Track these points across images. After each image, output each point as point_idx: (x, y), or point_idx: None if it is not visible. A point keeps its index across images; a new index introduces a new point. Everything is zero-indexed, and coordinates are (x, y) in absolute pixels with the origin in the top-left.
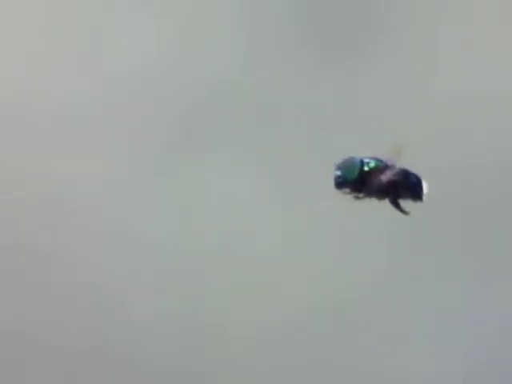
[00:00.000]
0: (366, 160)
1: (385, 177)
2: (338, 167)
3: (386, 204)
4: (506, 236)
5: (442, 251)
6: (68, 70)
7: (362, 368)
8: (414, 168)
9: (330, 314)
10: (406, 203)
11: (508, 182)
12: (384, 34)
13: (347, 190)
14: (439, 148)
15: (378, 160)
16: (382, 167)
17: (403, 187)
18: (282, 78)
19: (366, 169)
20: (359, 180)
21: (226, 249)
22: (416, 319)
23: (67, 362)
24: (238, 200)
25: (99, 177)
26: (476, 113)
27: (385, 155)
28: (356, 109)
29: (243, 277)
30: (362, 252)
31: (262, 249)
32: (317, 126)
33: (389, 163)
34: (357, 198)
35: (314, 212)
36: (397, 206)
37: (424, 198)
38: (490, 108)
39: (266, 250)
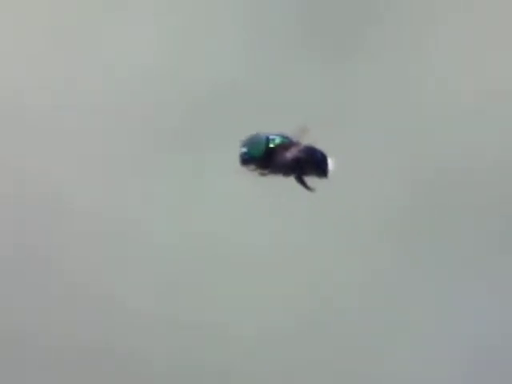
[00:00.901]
0: (272, 137)
1: (290, 153)
2: (244, 144)
3: (386, 204)
4: (506, 236)
5: (443, 251)
6: (68, 69)
7: (361, 368)
8: (321, 145)
9: (330, 314)
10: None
11: (508, 181)
12: (384, 34)
13: (253, 167)
14: (439, 147)
15: (283, 137)
16: (287, 144)
17: (308, 164)
18: (282, 77)
19: (271, 145)
20: (265, 156)
21: (226, 249)
22: (416, 319)
23: (67, 363)
24: (238, 200)
25: (99, 176)
26: (476, 112)
27: (291, 133)
28: (356, 108)
29: (243, 277)
30: (362, 251)
31: (263, 249)
32: (317, 125)
33: (295, 140)
34: (262, 174)
35: (314, 211)
36: (302, 182)
37: (329, 174)
38: (490, 107)
39: (266, 249)
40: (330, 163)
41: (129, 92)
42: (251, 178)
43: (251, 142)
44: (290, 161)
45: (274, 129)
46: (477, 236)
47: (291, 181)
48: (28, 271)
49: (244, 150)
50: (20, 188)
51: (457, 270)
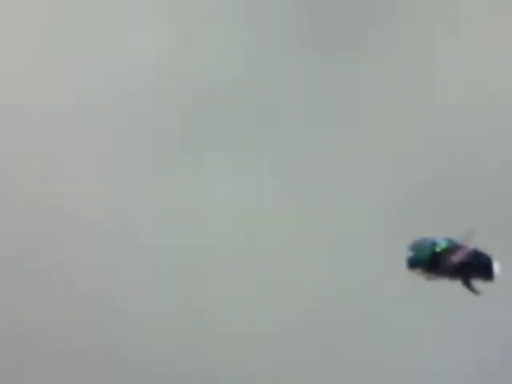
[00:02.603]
0: (438, 241)
1: (456, 258)
2: (411, 248)
3: (387, 204)
4: (506, 236)
5: None
6: (68, 69)
7: (361, 368)
8: (485, 247)
9: (329, 314)
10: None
11: (508, 181)
12: (385, 34)
13: (419, 271)
14: (439, 147)
15: (449, 240)
16: (453, 248)
17: (474, 268)
18: (283, 77)
19: (437, 250)
20: (431, 261)
21: (226, 248)
22: (416, 319)
23: (67, 363)
24: (238, 200)
25: (99, 176)
26: (476, 112)
27: (457, 236)
28: (357, 108)
29: (243, 276)
30: (362, 251)
31: (263, 248)
32: (318, 125)
33: (460, 244)
34: (428, 278)
35: (314, 211)
36: (468, 286)
37: (495, 278)
38: (490, 108)
39: (266, 249)
40: (496, 267)
41: (129, 92)
42: (251, 177)
43: (418, 246)
44: (456, 265)
45: (278, 132)
46: (477, 236)
47: (292, 180)
48: (28, 271)
49: (411, 254)
50: (20, 188)
51: None
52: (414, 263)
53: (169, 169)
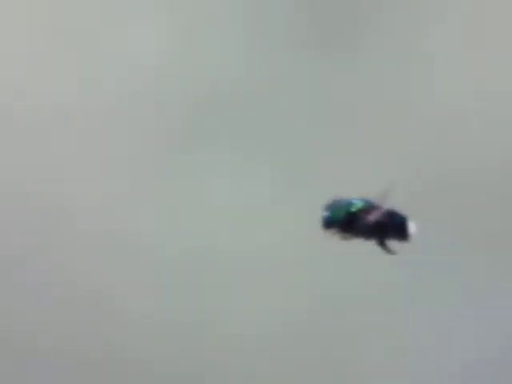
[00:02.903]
0: (354, 201)
1: (371, 218)
2: (326, 208)
3: (387, 204)
4: (506, 236)
5: (443, 250)
6: (68, 69)
7: (361, 368)
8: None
9: (329, 314)
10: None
11: (507, 183)
12: (386, 34)
13: (334, 231)
14: (438, 147)
15: (365, 201)
16: (368, 208)
17: (389, 228)
18: (283, 77)
19: (352, 210)
20: (346, 221)
21: (226, 248)
22: (415, 319)
23: (67, 363)
24: (238, 200)
25: (99, 176)
26: (476, 112)
27: (372, 196)
28: (357, 108)
29: (243, 276)
30: (362, 251)
31: (263, 248)
32: (318, 125)
33: (375, 204)
34: (344, 238)
35: (314, 211)
36: (383, 246)
37: (410, 238)
38: (490, 108)
39: (266, 249)
40: (411, 227)
41: (129, 92)
42: (251, 177)
43: (333, 207)
44: (371, 225)
45: (278, 132)
46: (477, 236)
47: (292, 180)
48: (28, 271)
49: (326, 214)
50: (20, 188)
51: (457, 269)
52: (329, 223)
53: (169, 169)
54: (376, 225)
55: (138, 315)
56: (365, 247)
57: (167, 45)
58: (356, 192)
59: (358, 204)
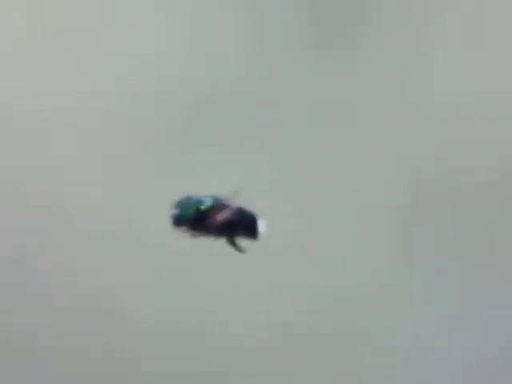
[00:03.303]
0: (203, 199)
1: (221, 216)
2: (176, 205)
3: (387, 204)
4: (506, 236)
5: (442, 251)
6: (67, 69)
7: (361, 368)
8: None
9: (329, 314)
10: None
11: (507, 183)
12: (385, 34)
13: (184, 228)
14: (438, 147)
15: (214, 199)
16: (218, 206)
17: (239, 226)
18: (283, 77)
19: (202, 208)
20: (195, 219)
21: (226, 248)
22: (415, 319)
23: (67, 363)
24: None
25: (99, 176)
26: (476, 112)
27: (224, 195)
28: (357, 108)
29: (244, 276)
30: (362, 250)
31: (263, 248)
32: (317, 125)
33: (226, 202)
34: (193, 235)
35: (314, 211)
36: (233, 244)
37: (259, 236)
38: (490, 108)
39: (266, 249)
40: (261, 225)
41: (129, 92)
42: (251, 177)
43: (183, 204)
44: (221, 223)
45: (278, 132)
46: (477, 237)
47: (292, 180)
48: (28, 271)
49: (175, 211)
50: (20, 188)
51: (457, 269)
52: (178, 221)
53: (169, 169)
54: (225, 223)
55: (137, 315)
56: (364, 250)
57: (167, 45)
58: (356, 191)
59: (207, 202)
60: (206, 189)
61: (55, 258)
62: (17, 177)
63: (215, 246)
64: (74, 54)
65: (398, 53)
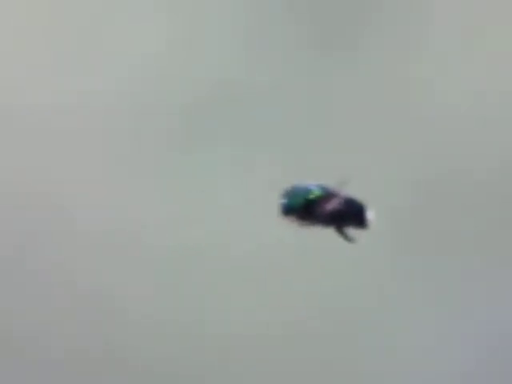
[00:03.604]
0: (312, 188)
1: (330, 205)
2: (284, 195)
3: (387, 204)
4: (506, 236)
5: (442, 251)
6: (67, 69)
7: (361, 368)
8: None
9: (329, 314)
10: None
11: (507, 183)
12: (384, 33)
13: (292, 218)
14: (438, 146)
15: (323, 188)
16: (327, 195)
17: (347, 215)
18: (283, 77)
19: (310, 197)
20: (304, 208)
21: (226, 248)
22: (415, 319)
23: (67, 363)
24: (238, 200)
25: (99, 176)
26: (476, 112)
27: (332, 183)
28: (357, 108)
29: (244, 276)
30: (361, 250)
31: (263, 248)
32: (317, 125)
33: (334, 191)
34: (302, 225)
35: None
36: (342, 233)
37: (368, 225)
38: (490, 108)
39: (266, 249)
40: (369, 214)
41: (129, 92)
42: (251, 177)
43: (291, 193)
44: (330, 212)
45: (277, 132)
46: (476, 238)
47: (292, 180)
48: (28, 271)
49: (284, 201)
50: (20, 188)
51: (457, 271)
52: (287, 210)
53: (169, 169)
54: (334, 212)
55: (137, 315)
56: (364, 249)
57: (167, 45)
58: (356, 191)
59: (316, 191)
60: (205, 189)
61: (55, 258)
62: (17, 177)
63: (212, 246)
64: (74, 54)
65: (398, 53)
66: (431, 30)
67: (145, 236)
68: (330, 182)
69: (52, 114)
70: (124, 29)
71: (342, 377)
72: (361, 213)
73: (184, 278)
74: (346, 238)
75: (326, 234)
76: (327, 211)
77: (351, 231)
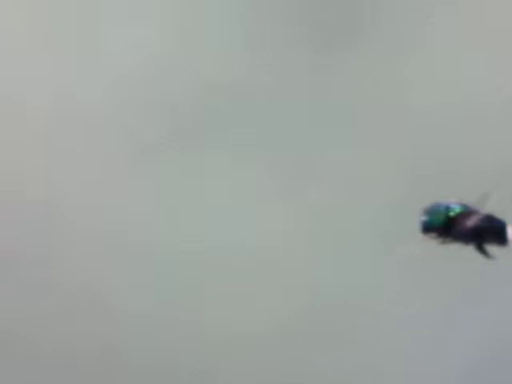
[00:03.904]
0: (452, 206)
1: (470, 222)
2: (425, 212)
3: (387, 204)
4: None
5: (442, 251)
6: (67, 69)
7: (361, 368)
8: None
9: (329, 314)
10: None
11: (507, 183)
12: (384, 33)
13: (434, 235)
14: (438, 146)
15: (463, 205)
16: (467, 212)
17: (488, 232)
18: (282, 77)
19: (451, 214)
20: (445, 225)
21: (226, 248)
22: (414, 319)
23: (67, 363)
24: (238, 200)
25: (97, 176)
26: (476, 111)
27: (470, 201)
28: (357, 108)
29: (243, 276)
30: (360, 250)
31: (263, 248)
32: (317, 125)
33: (473, 209)
34: (443, 242)
35: (314, 211)
36: (482, 250)
37: (509, 242)
38: (490, 108)
39: (266, 249)
40: (511, 232)
41: (128, 92)
42: (250, 177)
43: (432, 211)
44: (470, 230)
45: (277, 132)
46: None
47: (291, 180)
48: (28, 271)
49: (425, 218)
50: (19, 188)
51: (456, 271)
52: (428, 227)
53: (168, 169)
54: (474, 229)
55: (137, 315)
56: (364, 249)
57: (167, 45)
58: (356, 191)
59: (456, 209)
60: (205, 189)
61: (55, 258)
62: (17, 177)
63: (212, 246)
64: (73, 53)
65: (397, 52)
66: (430, 30)
67: (144, 236)
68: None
69: (52, 114)
70: (123, 29)
71: (342, 376)
72: (502, 230)
73: (184, 278)
74: (487, 255)
75: (324, 234)
76: (468, 228)
77: (491, 249)
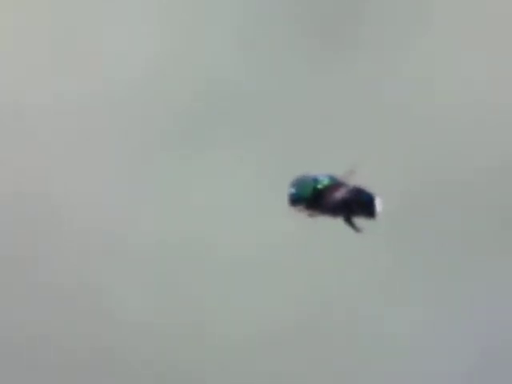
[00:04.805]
0: (320, 178)
1: (338, 194)
2: (292, 184)
3: (387, 204)
4: (505, 236)
5: (441, 251)
6: (67, 69)
7: (361, 368)
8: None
9: (329, 314)
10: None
11: (507, 183)
12: (384, 33)
13: (301, 207)
14: (438, 146)
15: (331, 177)
16: (335, 185)
17: (356, 205)
18: (282, 77)
19: (319, 186)
20: (313, 198)
21: (226, 248)
22: (414, 319)
23: (67, 363)
24: (238, 199)
25: (98, 176)
26: (476, 111)
27: (339, 173)
28: (356, 107)
29: (243, 276)
30: (360, 250)
31: (263, 248)
32: (317, 124)
33: (342, 181)
34: (310, 215)
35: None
36: (350, 223)
37: (377, 215)
38: (490, 108)
39: (266, 249)
40: (378, 204)
41: (128, 92)
42: (250, 177)
43: (299, 183)
44: (338, 202)
45: (276, 132)
46: (475, 238)
47: (291, 180)
48: (28, 271)
49: (292, 190)
50: (19, 188)
51: (456, 271)
52: (295, 200)
53: (168, 169)
54: (343, 202)
55: (135, 315)
56: (364, 249)
57: (167, 45)
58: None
59: (324, 181)
60: (205, 189)
61: (55, 258)
62: (16, 177)
63: (212, 246)
64: (73, 54)
65: (397, 52)
66: (431, 29)
67: (144, 236)
68: (337, 173)
69: (52, 114)
70: (124, 29)
71: (342, 376)
72: (370, 202)
73: (184, 278)
74: (355, 228)
75: (324, 234)
76: (336, 200)
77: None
